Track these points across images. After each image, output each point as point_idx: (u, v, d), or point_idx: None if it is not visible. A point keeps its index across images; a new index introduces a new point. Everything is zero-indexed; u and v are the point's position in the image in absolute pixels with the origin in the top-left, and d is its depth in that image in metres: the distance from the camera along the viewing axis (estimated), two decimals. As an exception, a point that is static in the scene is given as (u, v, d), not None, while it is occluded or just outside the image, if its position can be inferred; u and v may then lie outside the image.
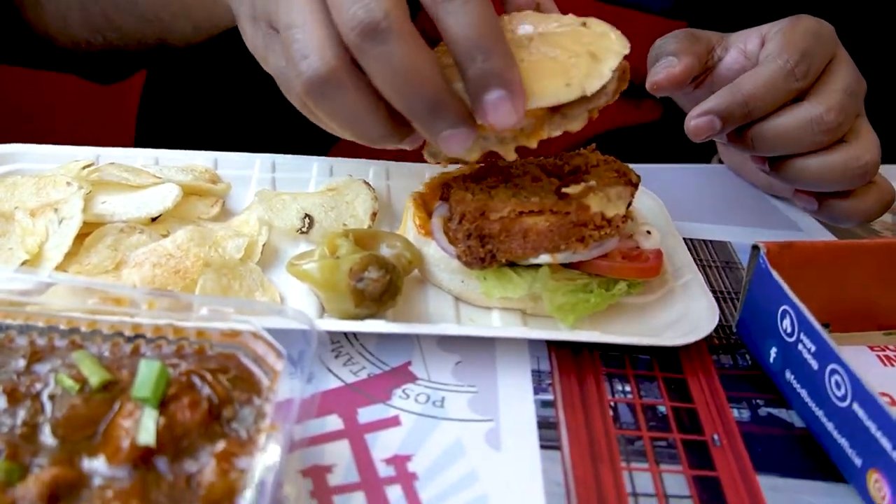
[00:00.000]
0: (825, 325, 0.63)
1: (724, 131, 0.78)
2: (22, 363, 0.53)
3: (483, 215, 0.70)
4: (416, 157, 0.71)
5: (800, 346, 0.65)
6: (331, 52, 0.57)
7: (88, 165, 0.84)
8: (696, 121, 0.78)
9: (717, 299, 0.75)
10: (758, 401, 0.69)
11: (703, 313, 0.73)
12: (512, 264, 0.73)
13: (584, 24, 0.67)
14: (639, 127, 1.15)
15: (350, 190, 0.84)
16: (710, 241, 0.91)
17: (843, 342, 0.71)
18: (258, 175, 0.89)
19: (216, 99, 1.16)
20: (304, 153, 0.91)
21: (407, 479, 0.59)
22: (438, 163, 0.69)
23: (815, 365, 0.63)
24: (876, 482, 0.58)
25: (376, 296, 0.68)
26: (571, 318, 0.73)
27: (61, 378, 0.52)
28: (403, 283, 0.71)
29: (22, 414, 0.50)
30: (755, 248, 0.70)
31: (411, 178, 0.90)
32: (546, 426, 0.64)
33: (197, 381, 0.52)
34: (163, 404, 0.50)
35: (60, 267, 0.71)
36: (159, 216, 0.78)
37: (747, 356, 0.74)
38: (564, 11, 0.70)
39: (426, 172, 0.89)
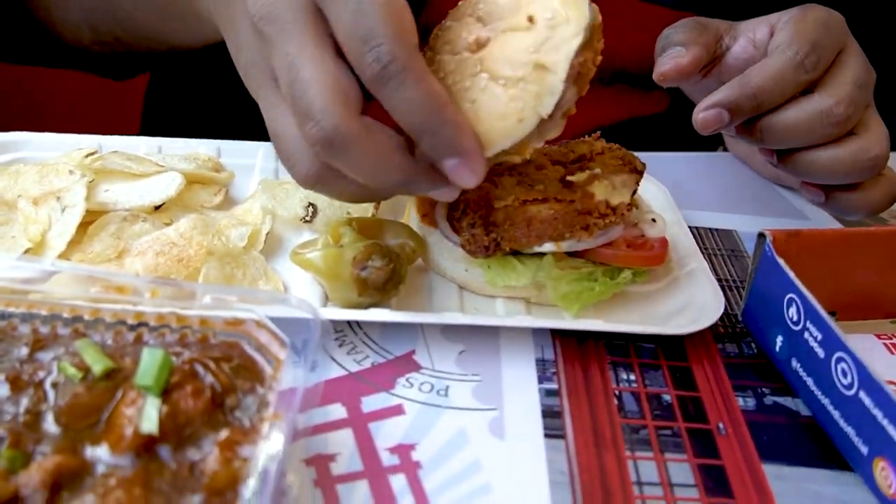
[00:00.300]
0: (832, 314, 0.63)
1: (732, 124, 0.77)
2: (25, 351, 0.53)
3: (487, 203, 0.70)
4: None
5: (806, 335, 0.64)
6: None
7: (91, 153, 0.83)
8: (704, 114, 0.77)
9: (722, 288, 0.75)
10: (763, 389, 0.69)
11: (708, 302, 0.73)
12: (516, 253, 0.73)
13: None
14: (646, 118, 1.14)
15: (354, 178, 0.84)
16: (716, 230, 0.91)
17: (850, 330, 0.71)
18: (262, 164, 0.89)
19: (221, 88, 1.16)
20: None
21: (411, 468, 0.58)
22: None
23: (821, 353, 0.63)
24: (882, 470, 0.57)
25: (380, 285, 0.67)
26: (576, 306, 0.72)
27: (64, 366, 0.51)
28: (407, 271, 0.70)
29: (25, 402, 0.50)
30: (761, 235, 0.70)
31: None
32: (550, 415, 0.64)
33: (200, 369, 0.52)
34: (166, 393, 0.50)
35: (63, 255, 0.71)
36: (162, 205, 0.77)
37: (753, 344, 0.74)
38: None
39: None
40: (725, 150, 1.09)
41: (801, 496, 0.60)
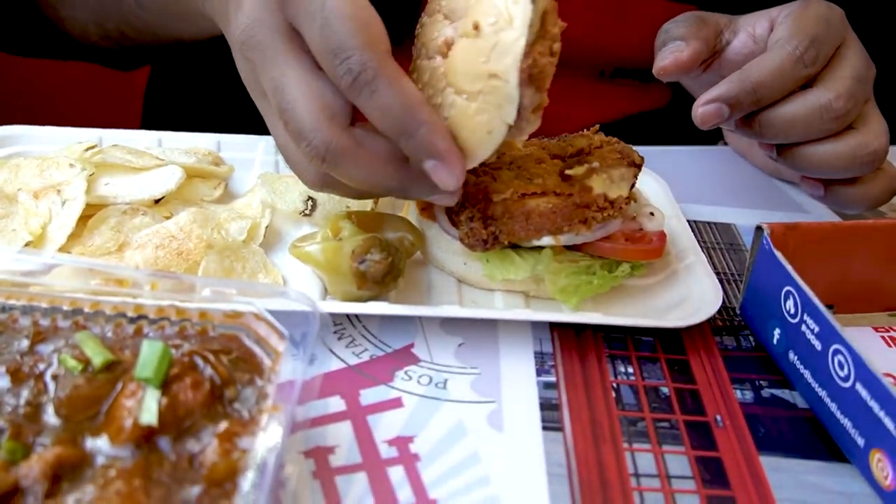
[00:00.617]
0: (829, 307, 0.63)
1: (731, 118, 0.78)
2: (25, 343, 0.54)
3: (486, 197, 0.70)
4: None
5: (803, 327, 0.65)
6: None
7: (91, 147, 0.83)
8: (704, 108, 0.77)
9: (720, 281, 0.75)
10: (761, 382, 0.69)
11: (706, 295, 0.73)
12: (515, 246, 0.73)
13: None
14: (647, 113, 1.14)
15: (353, 172, 0.84)
16: (715, 223, 0.91)
17: (848, 323, 0.71)
18: (261, 157, 0.89)
19: (221, 82, 1.16)
20: None
21: (409, 461, 0.59)
22: None
23: (818, 346, 0.63)
24: (878, 462, 0.58)
25: (379, 278, 0.68)
26: (574, 299, 0.72)
27: (64, 358, 0.52)
28: (406, 265, 0.71)
29: (25, 394, 0.50)
30: (759, 228, 0.70)
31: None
32: (548, 407, 0.65)
33: (199, 361, 0.52)
34: (165, 385, 0.50)
35: (63, 248, 0.71)
36: (162, 198, 0.78)
37: (751, 337, 0.74)
38: None
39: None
40: (725, 144, 1.09)
41: (798, 488, 0.60)
